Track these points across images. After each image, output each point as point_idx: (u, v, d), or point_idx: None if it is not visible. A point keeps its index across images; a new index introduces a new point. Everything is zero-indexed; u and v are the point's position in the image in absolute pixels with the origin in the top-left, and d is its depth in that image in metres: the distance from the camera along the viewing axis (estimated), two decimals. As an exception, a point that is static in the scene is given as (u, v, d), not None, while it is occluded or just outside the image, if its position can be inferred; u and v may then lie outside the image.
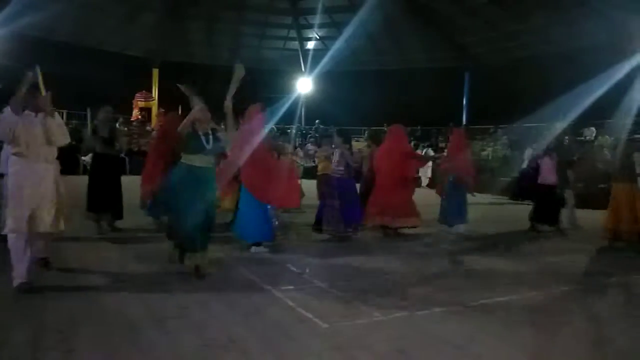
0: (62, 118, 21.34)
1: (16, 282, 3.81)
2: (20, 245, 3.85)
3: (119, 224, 6.45)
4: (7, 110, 3.95)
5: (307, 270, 4.85)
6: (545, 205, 7.85)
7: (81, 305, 3.60)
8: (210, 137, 4.62)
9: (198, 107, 4.64)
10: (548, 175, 7.90)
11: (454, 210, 7.43)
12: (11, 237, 3.88)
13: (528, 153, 15.06)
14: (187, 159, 4.57)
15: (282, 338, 3.15)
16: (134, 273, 4.57)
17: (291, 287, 4.28)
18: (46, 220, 3.98)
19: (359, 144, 16.11)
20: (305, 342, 3.10)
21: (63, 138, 4.16)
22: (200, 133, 4.57)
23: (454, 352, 3.04)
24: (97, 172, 6.26)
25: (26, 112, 3.98)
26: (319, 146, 14.33)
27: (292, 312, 3.65)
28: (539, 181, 8.01)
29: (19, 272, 3.83)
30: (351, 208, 6.57)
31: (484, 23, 19.21)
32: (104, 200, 6.16)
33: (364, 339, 3.18)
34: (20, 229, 3.84)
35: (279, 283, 4.37)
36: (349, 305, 3.85)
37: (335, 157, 6.66)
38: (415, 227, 7.04)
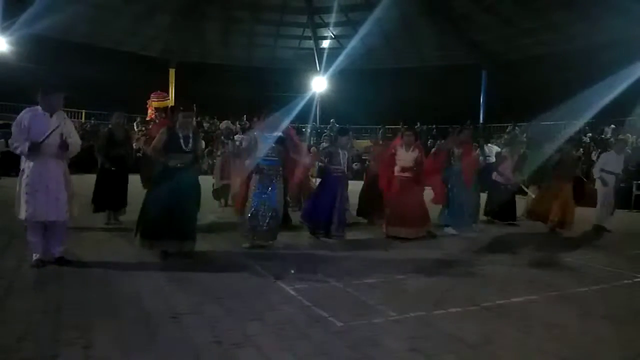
0: (81, 117, 21.77)
1: (33, 258, 4.39)
2: (36, 228, 4.40)
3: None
4: (26, 115, 4.33)
5: (292, 272, 4.77)
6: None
7: (99, 300, 3.65)
8: (191, 139, 4.97)
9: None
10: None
11: (449, 211, 7.49)
12: (29, 223, 4.40)
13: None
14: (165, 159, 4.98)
15: (296, 336, 3.16)
16: (150, 268, 4.61)
17: (306, 285, 4.28)
18: (53, 211, 4.38)
19: (364, 142, 16.03)
20: (320, 341, 3.09)
21: (75, 150, 4.62)
22: (180, 135, 4.92)
23: (469, 352, 3.01)
24: (108, 171, 6.63)
25: (40, 111, 4.36)
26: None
27: (306, 310, 3.65)
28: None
29: (36, 249, 4.41)
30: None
31: (502, 20, 19.00)
32: (110, 199, 6.65)
33: (379, 338, 3.16)
34: (35, 217, 4.31)
35: (293, 281, 4.37)
36: (364, 304, 3.84)
37: (341, 156, 6.56)
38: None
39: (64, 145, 4.35)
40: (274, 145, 5.72)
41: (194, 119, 5.37)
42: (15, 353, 2.75)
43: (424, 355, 2.94)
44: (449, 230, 7.36)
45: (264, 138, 5.72)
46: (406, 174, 6.80)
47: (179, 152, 4.94)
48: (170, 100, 23.94)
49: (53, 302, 3.58)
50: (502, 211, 8.52)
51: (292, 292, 4.06)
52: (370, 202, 7.71)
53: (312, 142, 18.26)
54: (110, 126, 6.97)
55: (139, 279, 4.26)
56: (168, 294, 3.89)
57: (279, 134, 5.80)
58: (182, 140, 4.92)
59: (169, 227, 4.83)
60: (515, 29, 19.08)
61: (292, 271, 4.77)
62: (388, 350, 2.98)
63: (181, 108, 5.01)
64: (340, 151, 6.57)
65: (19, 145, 4.25)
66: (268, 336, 3.12)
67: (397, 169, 6.85)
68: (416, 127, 21.71)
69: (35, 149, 4.21)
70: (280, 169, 5.85)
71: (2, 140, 14.74)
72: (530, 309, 3.91)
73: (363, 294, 4.06)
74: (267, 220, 5.64)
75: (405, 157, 6.83)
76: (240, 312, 3.53)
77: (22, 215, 4.33)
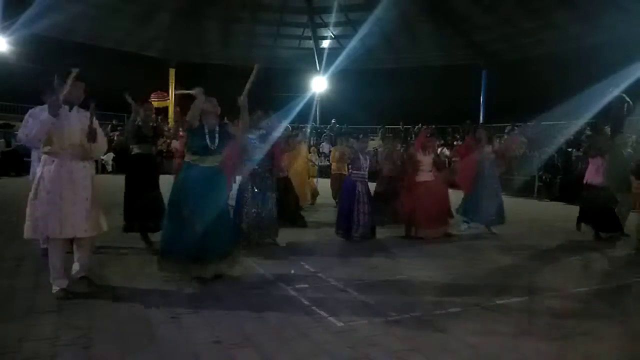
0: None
1: (54, 288, 3.67)
2: (56, 249, 3.66)
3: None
4: (42, 112, 3.50)
5: (292, 272, 4.77)
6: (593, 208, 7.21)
7: (99, 301, 3.65)
8: (217, 134, 4.24)
9: (204, 98, 4.21)
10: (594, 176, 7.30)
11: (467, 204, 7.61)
12: (51, 242, 3.69)
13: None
14: (191, 159, 4.26)
15: (296, 336, 3.16)
16: (150, 271, 4.59)
17: (306, 285, 4.29)
18: (82, 225, 3.63)
19: (374, 142, 16.05)
20: (320, 341, 3.09)
21: (103, 146, 3.86)
22: (206, 130, 4.21)
23: (468, 352, 3.01)
24: (138, 176, 5.58)
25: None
26: (333, 145, 14.34)
27: (306, 310, 3.65)
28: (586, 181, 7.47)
29: (56, 279, 3.67)
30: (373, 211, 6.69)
31: (501, 20, 18.97)
32: (146, 212, 5.44)
33: (378, 338, 3.16)
34: (55, 235, 3.56)
35: (293, 281, 4.38)
36: (364, 304, 3.84)
37: (362, 160, 6.60)
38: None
39: (92, 134, 3.57)
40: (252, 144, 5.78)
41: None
42: (15, 353, 2.75)
43: (424, 355, 2.93)
44: (464, 227, 7.51)
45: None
46: (428, 179, 6.96)
47: (205, 152, 4.22)
48: (170, 100, 24.06)
49: (53, 302, 3.58)
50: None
51: (292, 293, 4.06)
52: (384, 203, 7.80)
53: (312, 142, 18.28)
54: (138, 120, 5.73)
55: (139, 281, 4.26)
56: (168, 295, 3.89)
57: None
58: (207, 137, 4.18)
59: (205, 245, 4.11)
60: (515, 29, 19.04)
61: (292, 271, 4.77)
62: (388, 350, 2.98)
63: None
64: (361, 155, 6.66)
65: (31, 129, 3.43)
66: (268, 336, 3.13)
67: (419, 174, 6.96)
68: (417, 127, 21.79)
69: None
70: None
71: (2, 140, 14.77)
72: (530, 309, 3.91)
73: (363, 294, 4.06)
74: (263, 217, 5.76)
75: (424, 160, 7.02)
76: (239, 313, 3.53)
77: (44, 232, 3.54)
